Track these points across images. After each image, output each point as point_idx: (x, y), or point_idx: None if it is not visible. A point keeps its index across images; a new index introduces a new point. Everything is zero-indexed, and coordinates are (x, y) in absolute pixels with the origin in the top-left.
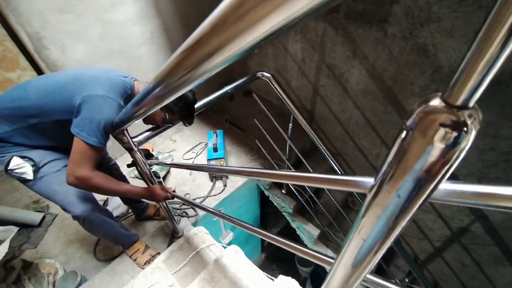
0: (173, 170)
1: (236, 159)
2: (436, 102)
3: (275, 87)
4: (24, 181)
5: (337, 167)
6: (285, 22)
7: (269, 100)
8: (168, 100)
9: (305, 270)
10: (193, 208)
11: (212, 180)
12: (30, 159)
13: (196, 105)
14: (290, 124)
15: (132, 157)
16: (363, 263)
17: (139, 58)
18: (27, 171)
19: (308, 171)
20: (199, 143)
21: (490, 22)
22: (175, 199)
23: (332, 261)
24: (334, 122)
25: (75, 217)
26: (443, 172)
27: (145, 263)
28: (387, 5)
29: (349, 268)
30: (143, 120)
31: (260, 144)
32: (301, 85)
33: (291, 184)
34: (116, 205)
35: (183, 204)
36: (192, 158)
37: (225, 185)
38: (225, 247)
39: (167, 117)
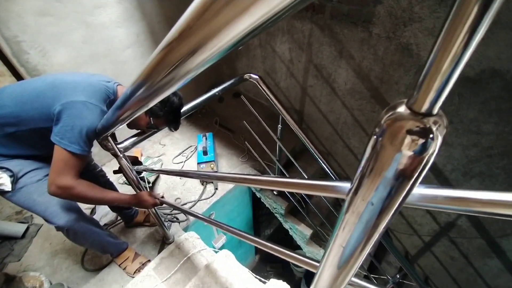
0: (163, 174)
1: (227, 161)
2: (402, 109)
3: (263, 89)
4: (2, 192)
5: (327, 167)
6: (262, 19)
7: (258, 101)
8: (152, 103)
9: (300, 270)
10: (183, 213)
11: (202, 184)
12: (8, 169)
13: (184, 108)
14: (279, 125)
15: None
16: (346, 268)
17: (125, 62)
18: (5, 182)
19: (288, 177)
20: (189, 147)
21: (442, 38)
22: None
23: (318, 264)
24: (324, 122)
25: (58, 228)
26: (413, 178)
27: (135, 272)
28: (371, 6)
29: (333, 272)
30: (127, 125)
31: (250, 146)
32: (290, 85)
33: None
34: (104, 213)
35: (174, 209)
36: (182, 162)
37: (216, 188)
38: (217, 251)
39: (152, 122)
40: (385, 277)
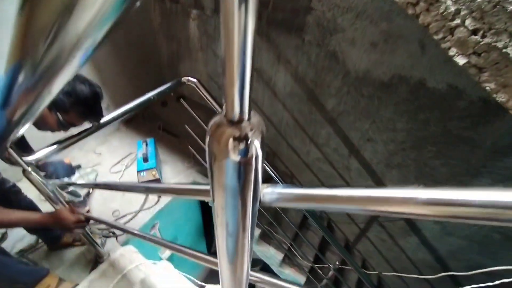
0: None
1: (171, 167)
2: (221, 119)
3: (202, 92)
4: None
5: (269, 168)
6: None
7: (203, 104)
8: (51, 92)
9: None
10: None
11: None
12: None
13: (116, 112)
14: None
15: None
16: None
17: None
18: None
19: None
20: (129, 154)
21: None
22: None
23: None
24: (268, 124)
25: None
26: (251, 178)
27: None
28: (302, 15)
29: (229, 265)
30: (36, 126)
31: (195, 150)
32: None
33: None
34: (19, 237)
35: (105, 225)
36: (120, 171)
37: (159, 196)
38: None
39: (61, 119)
40: (327, 266)
